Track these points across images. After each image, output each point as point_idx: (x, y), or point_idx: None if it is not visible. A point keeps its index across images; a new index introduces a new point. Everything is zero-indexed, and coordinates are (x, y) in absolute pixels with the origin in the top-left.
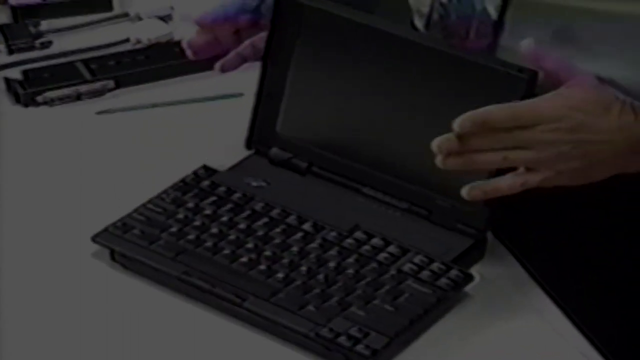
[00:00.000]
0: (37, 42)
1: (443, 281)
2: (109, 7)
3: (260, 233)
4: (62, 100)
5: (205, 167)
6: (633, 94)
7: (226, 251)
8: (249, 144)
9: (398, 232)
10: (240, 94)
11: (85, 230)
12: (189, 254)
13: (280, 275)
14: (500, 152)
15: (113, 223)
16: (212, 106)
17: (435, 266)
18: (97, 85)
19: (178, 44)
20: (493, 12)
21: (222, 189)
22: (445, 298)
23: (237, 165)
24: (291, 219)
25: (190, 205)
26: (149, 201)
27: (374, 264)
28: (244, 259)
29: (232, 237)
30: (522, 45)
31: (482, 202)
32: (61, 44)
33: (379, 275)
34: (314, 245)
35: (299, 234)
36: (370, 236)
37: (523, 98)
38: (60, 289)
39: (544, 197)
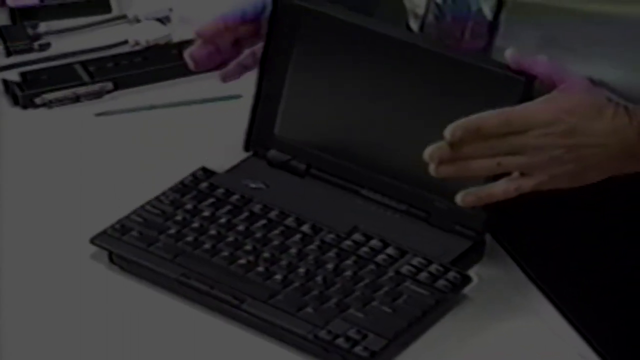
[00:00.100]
0: (36, 44)
1: (441, 283)
2: (107, 9)
3: (258, 235)
4: (61, 102)
5: (203, 169)
6: (626, 96)
7: (224, 253)
8: (247, 145)
9: (396, 234)
10: (239, 96)
11: (84, 232)
12: (187, 256)
13: (278, 277)
14: (493, 159)
15: (111, 225)
16: (211, 108)
17: (433, 268)
18: (96, 87)
19: (176, 45)
20: (488, 13)
21: (220, 190)
22: (443, 300)
23: (236, 167)
24: (289, 221)
25: (189, 207)
26: (147, 203)
27: (373, 266)
28: (243, 261)
29: (230, 238)
30: (506, 55)
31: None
32: (59, 45)
33: (378, 277)
34: (312, 247)
35: (298, 236)
36: (368, 238)
37: (521, 100)
38: (59, 291)
39: (542, 199)
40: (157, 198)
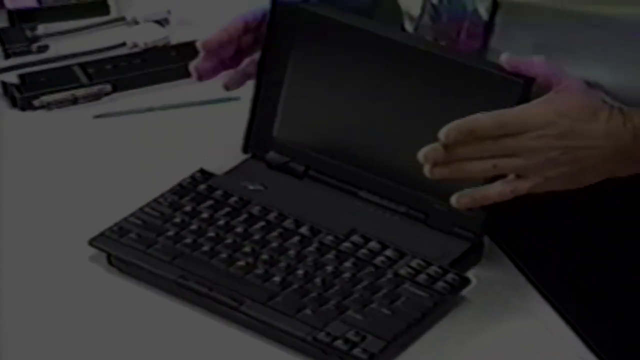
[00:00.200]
0: (34, 46)
1: (440, 285)
2: (106, 11)
3: (257, 237)
4: (59, 104)
5: (202, 171)
6: (621, 98)
7: (223, 255)
8: (245, 147)
9: (395, 235)
10: (237, 98)
11: (82, 234)
12: (186, 258)
13: (277, 279)
14: (489, 160)
15: (110, 227)
16: (209, 110)
17: (432, 270)
18: (94, 89)
19: (175, 47)
20: (484, 13)
21: (219, 192)
22: (442, 301)
23: (234, 169)
24: (288, 223)
25: (187, 209)
26: (146, 205)
27: (371, 268)
28: (241, 263)
29: (229, 240)
30: (502, 60)
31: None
32: (58, 48)
33: (376, 279)
34: (311, 249)
35: (296, 238)
36: (367, 240)
37: (519, 102)
38: (57, 293)
39: (540, 201)
40: (156, 200)
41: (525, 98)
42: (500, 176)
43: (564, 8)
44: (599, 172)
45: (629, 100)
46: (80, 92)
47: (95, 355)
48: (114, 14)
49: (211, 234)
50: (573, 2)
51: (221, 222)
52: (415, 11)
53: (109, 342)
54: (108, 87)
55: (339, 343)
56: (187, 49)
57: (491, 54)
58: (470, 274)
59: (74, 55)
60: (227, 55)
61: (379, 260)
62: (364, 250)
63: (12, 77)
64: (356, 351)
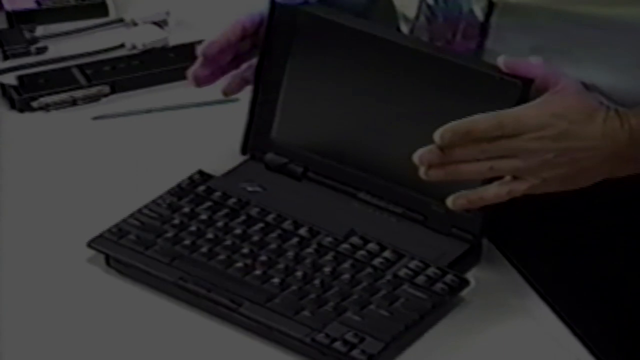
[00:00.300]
0: (33, 48)
1: (439, 286)
2: (105, 13)
3: (255, 238)
4: (58, 105)
5: (200, 173)
6: (617, 99)
7: (222, 256)
8: (244, 149)
9: (393, 237)
10: (236, 99)
11: (81, 236)
12: (185, 260)
13: (275, 280)
14: (485, 162)
15: (108, 228)
16: (208, 111)
17: (430, 271)
18: (93, 90)
19: (173, 49)
20: (480, 14)
21: (217, 194)
22: (441, 303)
23: (233, 170)
24: (287, 224)
25: (186, 210)
26: (145, 206)
27: (370, 269)
28: (240, 264)
29: (227, 242)
30: (499, 62)
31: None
32: (57, 49)
33: (375, 281)
34: (309, 250)
35: (295, 239)
36: (365, 241)
37: (518, 104)
38: (55, 294)
39: (539, 202)
40: (154, 201)
41: (523, 99)
42: (497, 177)
43: (560, 9)
44: (596, 173)
45: (626, 101)
46: (78, 93)
47: (95, 356)
48: (112, 15)
49: (210, 235)
50: (569, 3)
51: (220, 224)
52: (411, 12)
53: (107, 343)
54: (107, 89)
55: (337, 344)
56: (186, 51)
57: (487, 55)
58: (469, 275)
59: (72, 57)
60: (225, 60)
61: (377, 261)
62: (362, 252)
63: (10, 79)
64: (355, 352)
